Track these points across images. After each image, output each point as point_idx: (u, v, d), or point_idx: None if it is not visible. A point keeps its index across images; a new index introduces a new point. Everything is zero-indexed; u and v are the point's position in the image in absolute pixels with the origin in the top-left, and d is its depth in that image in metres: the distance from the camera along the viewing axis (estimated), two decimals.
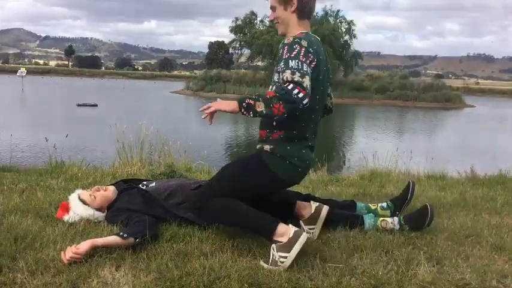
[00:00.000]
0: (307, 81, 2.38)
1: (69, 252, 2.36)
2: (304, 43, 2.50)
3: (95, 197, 3.08)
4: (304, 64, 2.43)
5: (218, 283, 2.20)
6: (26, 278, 2.19)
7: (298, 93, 2.34)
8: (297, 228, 2.51)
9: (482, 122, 33.91)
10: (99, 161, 6.32)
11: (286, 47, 2.50)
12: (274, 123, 2.65)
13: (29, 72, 64.07)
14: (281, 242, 2.47)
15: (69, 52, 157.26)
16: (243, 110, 2.44)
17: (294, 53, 2.46)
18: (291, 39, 2.53)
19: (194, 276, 2.25)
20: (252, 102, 2.42)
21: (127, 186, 3.27)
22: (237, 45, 57.50)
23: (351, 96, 48.94)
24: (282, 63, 2.45)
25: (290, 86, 2.35)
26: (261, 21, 55.76)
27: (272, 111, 2.39)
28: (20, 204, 3.32)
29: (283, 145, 2.66)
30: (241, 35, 55.82)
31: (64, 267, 2.31)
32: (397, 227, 3.00)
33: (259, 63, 57.96)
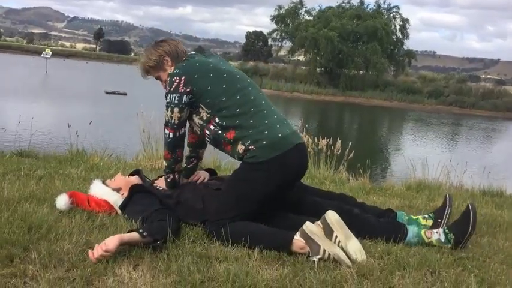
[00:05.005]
0: (174, 114, 2.93)
1: (99, 251, 2.37)
2: (176, 71, 2.97)
3: (114, 179, 3.30)
4: (174, 95, 2.91)
5: None
6: (37, 271, 2.22)
7: (167, 133, 3.02)
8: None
9: None
10: (122, 151, 6.42)
11: (168, 78, 3.00)
12: (209, 140, 3.04)
13: (54, 54, 65.72)
14: (305, 252, 2.63)
15: (99, 35, 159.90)
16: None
17: (172, 86, 2.94)
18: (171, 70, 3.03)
19: (217, 282, 2.25)
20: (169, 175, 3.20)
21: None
22: (278, 37, 57.35)
23: (400, 99, 48.26)
24: None
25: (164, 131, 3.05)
26: (307, 11, 55.52)
27: (166, 158, 3.12)
28: (36, 192, 3.39)
29: (241, 144, 2.87)
30: (283, 25, 55.63)
31: (79, 262, 2.34)
32: (443, 236, 2.94)
33: (301, 58, 57.76)
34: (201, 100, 2.91)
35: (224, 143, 2.94)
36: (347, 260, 2.55)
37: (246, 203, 2.85)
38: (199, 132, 3.06)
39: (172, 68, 3.05)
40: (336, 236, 2.69)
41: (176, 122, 2.95)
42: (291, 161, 2.90)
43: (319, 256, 2.56)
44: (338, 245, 2.66)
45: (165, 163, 3.15)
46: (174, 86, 2.90)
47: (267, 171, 2.83)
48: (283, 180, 2.92)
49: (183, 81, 2.89)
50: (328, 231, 2.71)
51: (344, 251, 2.62)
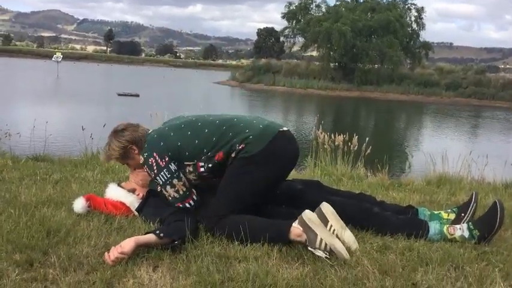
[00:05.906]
0: (177, 186, 2.96)
1: (114, 253, 2.42)
2: (145, 155, 2.99)
3: (129, 180, 3.38)
4: (162, 172, 2.94)
5: None
6: (58, 275, 2.27)
7: (186, 205, 3.00)
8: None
9: None
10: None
11: (146, 167, 3.01)
12: (206, 174, 3.01)
13: (65, 57, 66.30)
14: (302, 240, 2.65)
15: (109, 37, 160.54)
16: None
17: (154, 169, 2.96)
18: (142, 159, 3.02)
19: (237, 282, 2.27)
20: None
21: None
22: (289, 33, 57.24)
23: (417, 92, 47.85)
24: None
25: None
26: (318, 6, 55.39)
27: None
28: (53, 196, 3.45)
29: (232, 152, 2.92)
30: (294, 22, 55.54)
31: (98, 265, 2.38)
32: (466, 232, 2.93)
33: (314, 53, 57.57)
34: (181, 157, 2.96)
35: (221, 165, 2.96)
36: (344, 252, 2.57)
37: (245, 196, 2.92)
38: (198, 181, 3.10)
39: (137, 157, 3.09)
40: (332, 225, 2.73)
41: (184, 189, 2.99)
42: (281, 147, 2.98)
43: (316, 246, 2.57)
44: (333, 233, 2.69)
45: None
46: (155, 167, 2.94)
47: (261, 161, 2.89)
48: (278, 167, 3.00)
49: (157, 157, 2.93)
50: (324, 221, 2.74)
51: (340, 239, 2.65)
